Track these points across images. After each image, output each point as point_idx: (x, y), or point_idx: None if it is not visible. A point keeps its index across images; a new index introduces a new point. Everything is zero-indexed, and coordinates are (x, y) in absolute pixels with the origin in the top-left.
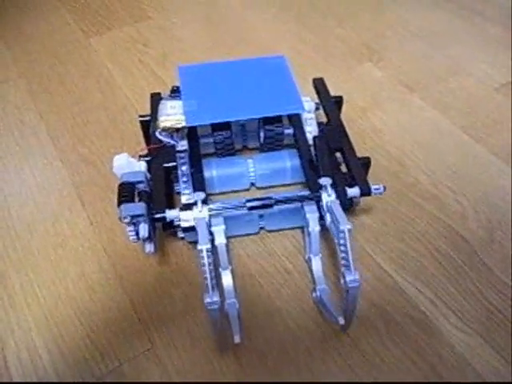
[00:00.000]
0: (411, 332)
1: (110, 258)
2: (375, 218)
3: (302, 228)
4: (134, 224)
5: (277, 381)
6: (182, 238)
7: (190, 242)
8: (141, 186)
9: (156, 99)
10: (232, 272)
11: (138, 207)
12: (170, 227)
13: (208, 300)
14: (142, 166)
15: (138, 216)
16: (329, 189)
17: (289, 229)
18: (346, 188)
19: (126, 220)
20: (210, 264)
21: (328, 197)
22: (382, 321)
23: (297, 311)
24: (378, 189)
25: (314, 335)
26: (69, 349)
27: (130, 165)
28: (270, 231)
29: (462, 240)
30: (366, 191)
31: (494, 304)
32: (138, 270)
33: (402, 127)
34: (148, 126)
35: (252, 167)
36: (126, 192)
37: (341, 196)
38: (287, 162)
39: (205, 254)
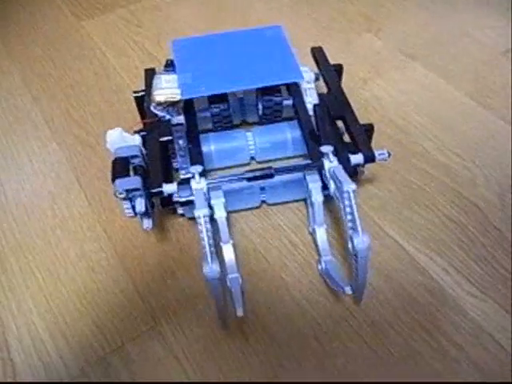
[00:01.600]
0: (424, 301)
1: (110, 238)
2: (382, 187)
3: (304, 200)
4: (130, 199)
5: (286, 358)
6: (182, 215)
7: (190, 219)
8: (136, 161)
9: (150, 74)
10: (234, 246)
11: (134, 181)
12: (169, 203)
13: (207, 270)
14: (136, 139)
15: (134, 190)
16: (331, 156)
17: (291, 202)
18: (349, 155)
19: (122, 195)
20: (208, 231)
21: (330, 163)
22: (393, 290)
23: (304, 284)
24: (382, 154)
25: (323, 307)
26: (71, 330)
27: (123, 139)
28: (271, 205)
29: (473, 206)
30: (369, 157)
31: (508, 268)
32: (138, 249)
33: (405, 96)
34: (143, 101)
35: (251, 140)
36: (120, 167)
37: (344, 163)
38: (287, 133)
39: (202, 220)
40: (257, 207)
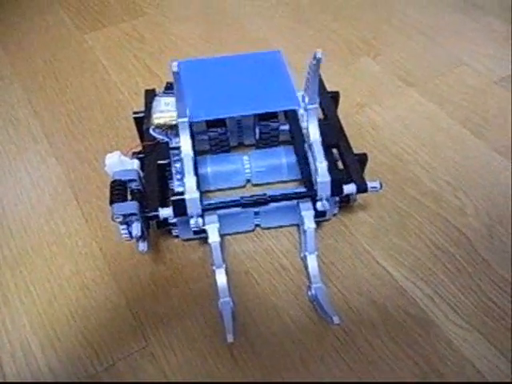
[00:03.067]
0: (409, 328)
1: (105, 256)
2: (373, 213)
3: (297, 225)
4: (127, 223)
5: (273, 378)
6: (177, 236)
7: (185, 240)
8: (133, 185)
9: (150, 95)
10: (226, 271)
11: (130, 206)
12: (165, 225)
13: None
14: (134, 163)
15: (131, 215)
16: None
17: (284, 226)
18: (343, 186)
19: (119, 219)
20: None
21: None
22: (380, 317)
23: (293, 308)
24: (374, 185)
25: (310, 332)
26: (63, 346)
27: (122, 163)
28: (265, 229)
29: (461, 235)
30: (362, 188)
31: (493, 300)
32: (133, 268)
33: (401, 122)
34: (142, 122)
35: (247, 164)
36: (118, 191)
37: (337, 192)
38: (283, 158)
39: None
40: (250, 231)
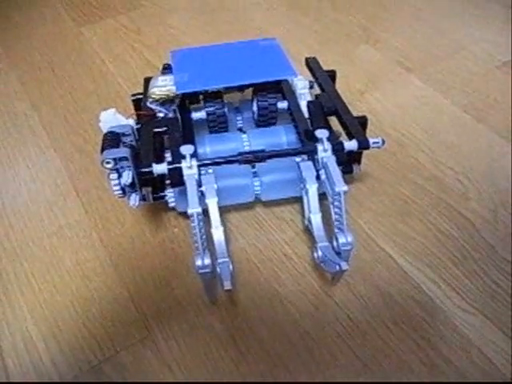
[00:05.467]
0: (414, 314)
1: (106, 247)
2: (375, 199)
3: (299, 199)
4: (118, 172)
5: (277, 367)
6: (174, 209)
7: (181, 215)
8: (127, 140)
9: (149, 81)
10: (224, 233)
11: (122, 151)
12: (159, 191)
13: (199, 263)
14: (130, 121)
15: (122, 160)
16: (325, 142)
17: (285, 200)
18: (343, 141)
19: (109, 165)
20: (201, 228)
21: (324, 152)
22: (384, 303)
23: (296, 295)
24: (376, 142)
25: (315, 319)
26: (65, 338)
27: (117, 120)
28: (265, 202)
29: (465, 220)
30: (364, 144)
31: (498, 283)
32: (133, 258)
33: (401, 108)
34: (141, 104)
35: (247, 142)
36: (111, 139)
37: (338, 150)
38: (283, 136)
39: (195, 217)
40: (250, 210)
